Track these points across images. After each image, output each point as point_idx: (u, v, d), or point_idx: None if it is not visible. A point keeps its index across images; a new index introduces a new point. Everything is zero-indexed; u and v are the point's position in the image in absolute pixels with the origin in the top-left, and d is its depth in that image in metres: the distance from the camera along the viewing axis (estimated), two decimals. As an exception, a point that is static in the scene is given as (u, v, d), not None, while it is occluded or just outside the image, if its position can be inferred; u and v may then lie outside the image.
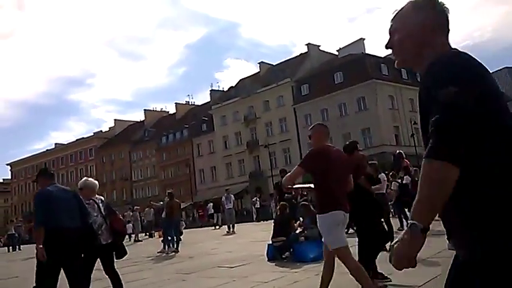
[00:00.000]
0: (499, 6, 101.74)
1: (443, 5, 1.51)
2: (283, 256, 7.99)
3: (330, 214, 3.88)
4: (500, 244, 1.24)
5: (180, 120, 62.06)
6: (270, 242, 8.35)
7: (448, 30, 1.51)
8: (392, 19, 1.59)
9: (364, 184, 5.32)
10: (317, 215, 4.08)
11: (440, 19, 1.51)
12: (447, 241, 1.46)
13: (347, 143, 5.68)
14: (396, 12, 1.58)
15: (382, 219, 6.70)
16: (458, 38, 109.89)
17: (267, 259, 8.07)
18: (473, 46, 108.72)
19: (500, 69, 60.40)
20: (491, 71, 1.42)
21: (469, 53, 1.42)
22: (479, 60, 1.39)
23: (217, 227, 24.22)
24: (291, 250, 7.95)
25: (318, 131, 4.35)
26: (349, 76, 41.54)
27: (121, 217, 5.54)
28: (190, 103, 67.74)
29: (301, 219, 9.39)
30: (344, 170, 4.20)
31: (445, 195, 1.27)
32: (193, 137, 55.83)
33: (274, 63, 53.77)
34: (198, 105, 65.04)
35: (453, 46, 1.50)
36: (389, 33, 1.59)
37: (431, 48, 1.47)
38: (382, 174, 8.24)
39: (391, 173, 12.07)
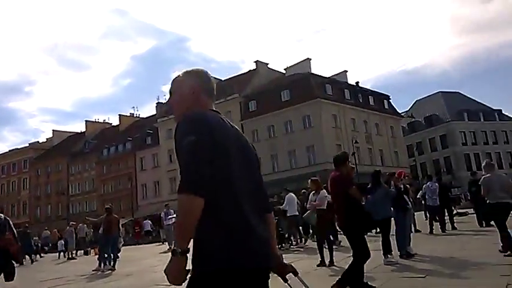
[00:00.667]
0: (435, 35, 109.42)
1: (209, 75, 1.92)
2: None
3: None
4: (202, 267, 1.56)
5: (124, 132, 60.15)
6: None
7: (213, 94, 1.92)
8: (171, 82, 1.93)
9: (355, 194, 5.22)
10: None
11: (206, 85, 1.90)
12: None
13: (338, 154, 5.65)
14: (174, 78, 1.93)
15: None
16: (396, 63, 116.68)
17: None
18: (410, 71, 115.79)
19: (435, 93, 64.69)
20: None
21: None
22: (219, 117, 1.77)
23: (163, 243, 23.40)
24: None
25: None
26: (296, 94, 42.50)
27: (11, 236, 5.05)
28: (135, 115, 66.03)
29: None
30: None
31: (192, 223, 1.52)
32: (136, 150, 54.24)
33: (222, 79, 53.95)
34: (143, 118, 63.49)
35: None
36: (169, 93, 1.94)
37: (197, 107, 1.81)
38: (323, 190, 8.34)
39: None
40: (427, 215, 13.08)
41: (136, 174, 53.43)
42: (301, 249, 11.49)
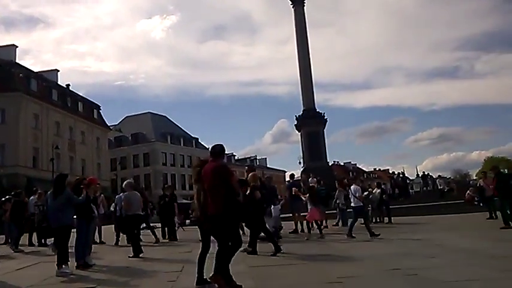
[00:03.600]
0: (153, 59, 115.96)
1: None
2: None
3: None
4: None
5: None
6: None
7: None
8: None
9: (236, 185, 5.33)
10: None
11: None
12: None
13: (216, 145, 5.46)
14: None
15: None
16: (116, 76, 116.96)
17: None
18: (126, 88, 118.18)
19: (145, 113, 67.81)
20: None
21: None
22: None
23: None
24: None
25: None
26: (-9, 82, 35.84)
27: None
28: None
29: None
30: None
31: None
32: None
33: None
34: None
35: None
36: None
37: None
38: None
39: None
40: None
41: None
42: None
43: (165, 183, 58.35)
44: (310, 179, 16.46)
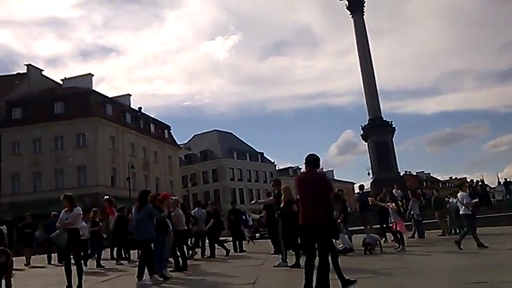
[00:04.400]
0: (217, 78, 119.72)
1: None
2: None
3: None
4: None
5: None
6: None
7: None
8: None
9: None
10: None
11: None
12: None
13: (312, 154, 5.33)
14: None
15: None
16: (183, 97, 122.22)
17: None
18: (193, 107, 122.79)
19: (211, 131, 69.95)
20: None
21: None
22: None
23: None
24: None
25: None
26: (72, 109, 38.96)
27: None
28: None
29: None
30: None
31: None
32: None
33: (-18, 76, 45.56)
34: None
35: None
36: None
37: None
38: (78, 207, 7.49)
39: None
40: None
41: None
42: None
43: (234, 198, 59.50)
44: (394, 191, 15.84)
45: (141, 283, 7.07)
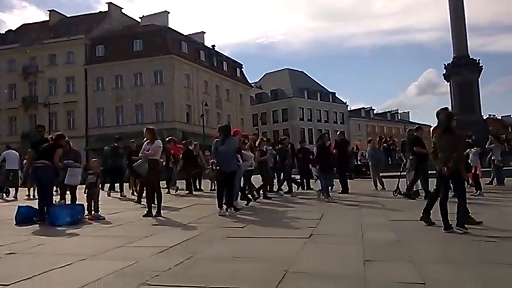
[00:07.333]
0: (293, 14, 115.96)
1: None
2: (35, 219, 7.07)
3: None
4: None
5: None
6: (22, 205, 7.25)
7: None
8: None
9: None
10: None
11: None
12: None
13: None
14: None
15: None
16: (257, 34, 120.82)
17: (15, 223, 6.98)
18: (266, 45, 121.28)
19: (282, 69, 69.11)
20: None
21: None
22: None
23: None
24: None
25: None
26: (149, 46, 40.37)
27: None
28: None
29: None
30: None
31: None
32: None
33: (68, 15, 48.22)
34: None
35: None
36: None
37: None
38: (158, 140, 8.03)
39: None
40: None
41: None
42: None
43: (303, 137, 59.60)
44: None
45: (228, 212, 7.57)
